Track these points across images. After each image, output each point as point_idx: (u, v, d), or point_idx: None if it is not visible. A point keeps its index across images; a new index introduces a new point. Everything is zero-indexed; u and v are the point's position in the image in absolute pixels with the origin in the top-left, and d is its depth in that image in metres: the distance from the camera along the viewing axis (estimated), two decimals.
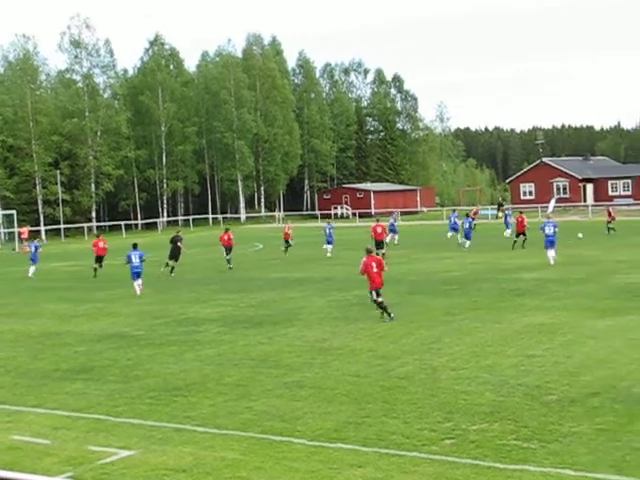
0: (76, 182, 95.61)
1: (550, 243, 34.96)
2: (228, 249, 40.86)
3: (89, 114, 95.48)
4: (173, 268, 38.32)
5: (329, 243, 45.26)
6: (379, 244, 40.12)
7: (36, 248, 42.38)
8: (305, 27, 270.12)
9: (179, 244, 39.27)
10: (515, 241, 43.72)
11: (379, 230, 41.34)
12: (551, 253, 34.77)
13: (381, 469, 10.21)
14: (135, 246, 32.66)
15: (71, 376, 16.55)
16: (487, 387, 13.93)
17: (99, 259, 40.54)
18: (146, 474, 10.50)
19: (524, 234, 43.19)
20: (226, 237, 41.50)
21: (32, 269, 40.84)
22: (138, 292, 30.41)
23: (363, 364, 16.22)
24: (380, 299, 21.91)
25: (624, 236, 50.29)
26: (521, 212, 46.52)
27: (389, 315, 21.51)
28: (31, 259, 41.50)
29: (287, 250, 46.27)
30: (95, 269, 39.67)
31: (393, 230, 50.09)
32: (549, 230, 35.18)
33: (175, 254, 39.13)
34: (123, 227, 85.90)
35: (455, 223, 50.55)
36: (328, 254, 44.01)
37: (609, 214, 54.53)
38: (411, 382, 14.53)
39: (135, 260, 31.32)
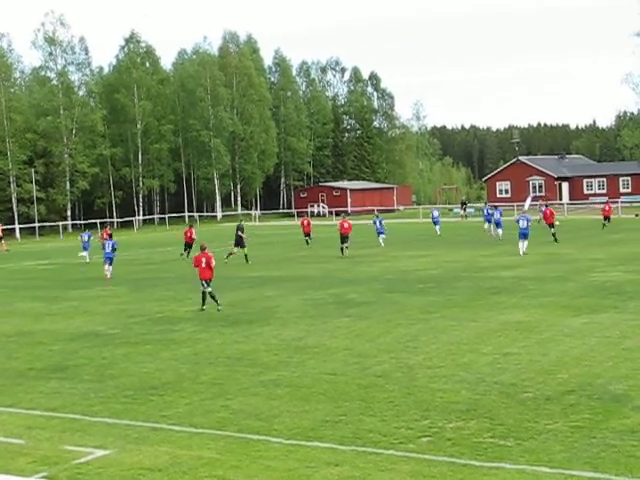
0: (51, 180, 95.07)
1: (523, 235, 38.40)
2: (188, 245, 44.50)
3: (64, 112, 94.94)
4: (247, 256, 40.93)
5: (381, 234, 48.32)
6: (344, 238, 43.23)
7: (89, 237, 46.85)
8: (281, 25, 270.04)
9: (239, 233, 41.87)
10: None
11: (345, 225, 44.03)
12: (524, 244, 38.21)
13: (358, 467, 10.20)
14: (110, 236, 39.44)
15: (46, 375, 16.43)
16: (463, 385, 13.95)
17: (188, 246, 44.52)
18: (122, 473, 10.44)
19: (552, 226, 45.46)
20: (189, 233, 45.09)
21: (85, 254, 45.15)
22: (108, 276, 35.30)
23: (340, 362, 16.21)
24: (209, 289, 24.74)
25: (600, 234, 50.59)
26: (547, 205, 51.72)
27: (217, 304, 24.53)
28: (84, 247, 45.51)
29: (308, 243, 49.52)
30: (181, 254, 44.53)
31: (499, 224, 50.34)
32: (522, 223, 38.68)
33: (239, 242, 41.81)
34: (99, 225, 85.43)
35: (489, 214, 53.24)
36: (381, 244, 47.27)
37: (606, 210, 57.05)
38: (388, 380, 14.53)
39: (107, 248, 36.60)
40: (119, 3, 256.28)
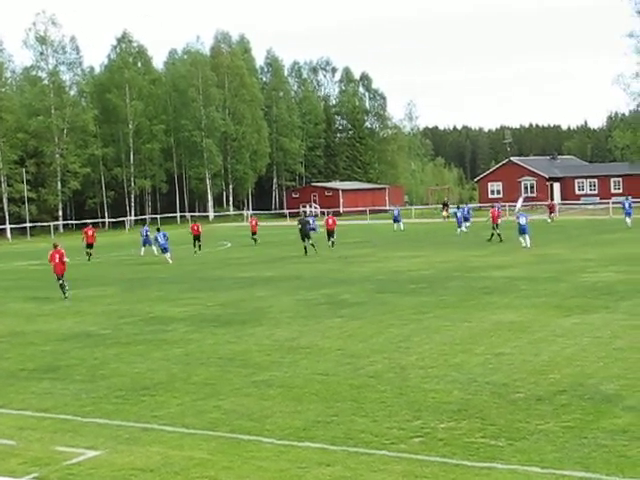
0: (42, 180, 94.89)
1: (523, 230, 42.87)
2: (197, 237, 49.34)
3: (55, 111, 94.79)
4: (313, 245, 44.12)
5: (462, 223, 52.00)
6: (330, 233, 48.90)
7: (146, 232, 48.74)
8: (273, 25, 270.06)
9: (307, 226, 45.56)
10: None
11: (330, 222, 49.58)
12: (525, 238, 42.63)
13: (350, 468, 10.19)
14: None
15: (37, 376, 16.38)
16: (455, 385, 13.96)
17: (197, 238, 49.35)
18: (113, 474, 10.41)
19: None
20: (195, 227, 50.19)
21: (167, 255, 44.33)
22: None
23: (332, 363, 16.20)
24: (61, 282, 29.38)
25: (591, 235, 50.69)
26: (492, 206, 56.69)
27: (64, 294, 28.99)
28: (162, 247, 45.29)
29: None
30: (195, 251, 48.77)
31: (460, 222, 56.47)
32: (522, 220, 43.26)
33: (306, 233, 44.84)
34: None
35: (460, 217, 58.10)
36: (465, 230, 51.77)
37: None
38: (380, 381, 14.53)
39: (162, 239, 43.15)
40: (111, 3, 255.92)
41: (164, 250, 43.32)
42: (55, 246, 30.32)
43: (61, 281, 29.45)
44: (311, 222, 49.15)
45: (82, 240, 49.35)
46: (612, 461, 10.01)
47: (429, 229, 66.07)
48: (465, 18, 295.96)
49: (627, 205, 59.28)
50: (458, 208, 61.88)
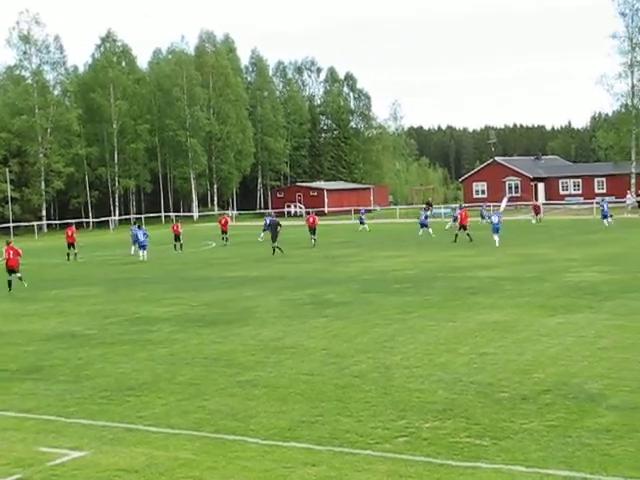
0: (26, 180, 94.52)
1: (496, 229, 45.03)
2: (177, 236, 51.84)
3: (39, 111, 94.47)
4: (277, 248, 44.36)
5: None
6: (312, 230, 51.21)
7: (144, 234, 47.05)
8: (257, 25, 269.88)
9: (278, 228, 45.88)
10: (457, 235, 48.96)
11: (311, 220, 52.42)
12: (496, 237, 44.48)
13: (335, 467, 10.19)
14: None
15: (20, 376, 16.30)
16: (440, 385, 13.98)
17: (177, 237, 51.94)
18: (97, 475, 10.37)
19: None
20: (175, 227, 52.78)
21: (144, 252, 45.28)
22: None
23: (317, 363, 16.20)
24: (18, 275, 31.89)
25: (575, 235, 50.88)
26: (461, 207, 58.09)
27: (9, 288, 31.47)
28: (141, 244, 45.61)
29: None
30: (174, 246, 51.49)
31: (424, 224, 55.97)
32: (495, 219, 46.17)
33: (275, 236, 45.28)
34: (74, 226, 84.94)
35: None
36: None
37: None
38: (365, 381, 14.53)
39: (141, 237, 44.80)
40: (95, 2, 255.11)
41: (142, 247, 44.52)
42: (8, 243, 33.14)
43: (12, 275, 31.80)
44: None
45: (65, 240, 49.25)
46: (596, 460, 10.04)
47: (392, 229, 66.11)
48: (445, 18, 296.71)
49: (605, 207, 60.88)
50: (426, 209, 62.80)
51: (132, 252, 48.05)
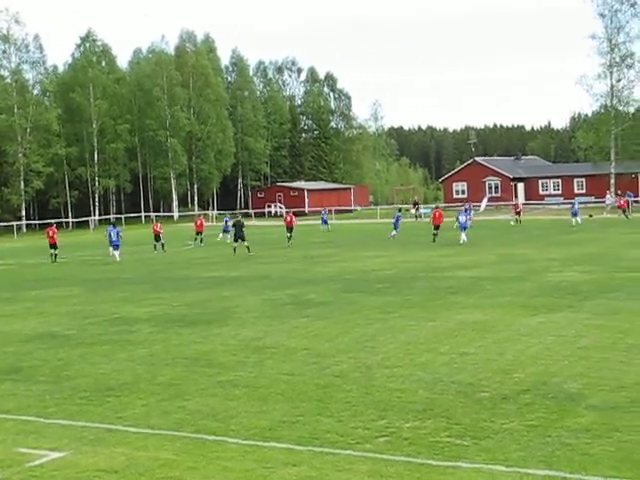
0: (5, 180, 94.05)
1: (463, 228, 47.54)
2: (157, 236, 51.64)
3: (18, 110, 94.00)
4: (247, 247, 44.83)
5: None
6: (289, 229, 53.27)
7: (117, 233, 45.85)
8: (238, 25, 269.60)
9: (242, 228, 46.40)
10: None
11: (288, 219, 54.46)
12: (463, 235, 46.92)
13: (315, 467, 10.18)
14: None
15: None
16: (420, 385, 14.00)
17: (157, 237, 51.63)
18: (77, 476, 10.32)
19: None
20: (155, 227, 52.73)
21: (117, 253, 44.86)
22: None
23: (298, 363, 16.19)
24: None
25: (555, 235, 51.10)
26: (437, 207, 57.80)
27: None
28: (114, 244, 45.08)
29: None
30: (154, 246, 51.11)
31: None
32: (462, 218, 48.55)
33: (240, 236, 45.83)
34: (55, 226, 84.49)
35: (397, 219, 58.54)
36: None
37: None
38: (345, 380, 14.53)
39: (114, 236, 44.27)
40: (75, 1, 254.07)
41: (115, 247, 44.49)
42: None
43: None
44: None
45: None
46: (575, 459, 10.08)
47: (373, 229, 66.13)
48: (430, 18, 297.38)
49: (576, 206, 62.39)
50: (400, 211, 61.79)
51: (110, 254, 47.31)
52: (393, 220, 56.74)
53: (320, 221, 71.92)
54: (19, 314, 25.36)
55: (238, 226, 46.61)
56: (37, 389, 15.01)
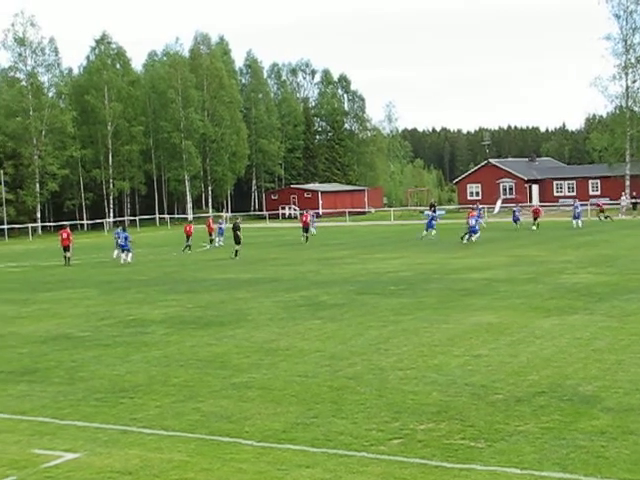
0: (20, 182, 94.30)
1: (473, 231, 49.35)
2: (189, 237, 52.13)
3: (33, 113, 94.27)
4: (237, 251, 44.97)
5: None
6: (305, 229, 57.14)
7: (126, 238, 44.84)
8: (252, 26, 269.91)
9: (237, 232, 46.17)
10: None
11: (304, 218, 58.12)
12: (467, 236, 49.07)
13: (329, 470, 10.19)
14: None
15: (14, 378, 16.27)
16: (434, 387, 13.98)
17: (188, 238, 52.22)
18: (92, 477, 10.36)
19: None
20: (187, 228, 53.15)
21: (129, 255, 44.06)
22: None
23: (311, 365, 16.19)
24: None
25: (571, 236, 50.94)
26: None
27: None
28: (123, 247, 44.39)
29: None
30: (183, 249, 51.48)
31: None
32: (472, 222, 49.77)
33: (237, 239, 45.62)
34: (69, 228, 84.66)
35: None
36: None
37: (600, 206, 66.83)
38: (359, 382, 14.53)
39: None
40: (90, 4, 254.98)
41: (124, 249, 43.88)
42: None
43: None
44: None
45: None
46: (590, 462, 10.05)
47: (387, 231, 66.12)
48: (445, 18, 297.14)
49: (578, 209, 62.29)
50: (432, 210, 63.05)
51: (114, 256, 46.14)
52: (426, 220, 57.75)
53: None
54: (34, 316, 25.45)
55: (236, 229, 46.52)
56: (52, 390, 15.07)
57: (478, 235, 49.62)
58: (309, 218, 59.12)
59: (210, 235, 56.32)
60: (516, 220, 63.02)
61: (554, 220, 75.10)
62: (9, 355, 18.88)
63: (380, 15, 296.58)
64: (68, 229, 48.90)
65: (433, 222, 55.14)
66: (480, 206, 68.02)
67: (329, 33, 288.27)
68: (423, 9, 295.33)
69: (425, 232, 53.88)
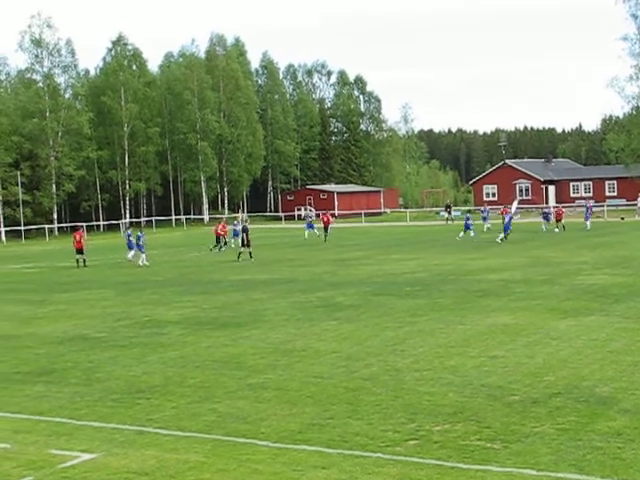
0: (37, 183, 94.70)
1: (506, 228, 50.56)
2: (218, 238, 52.77)
3: (50, 114, 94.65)
4: (250, 253, 44.11)
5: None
6: (325, 228, 58.66)
7: (138, 237, 44.36)
8: (268, 27, 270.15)
9: (245, 234, 45.27)
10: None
11: (325, 219, 59.41)
12: (462, 233, 53.77)
13: (345, 470, 10.19)
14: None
15: (32, 379, 16.35)
16: (450, 388, 13.97)
17: (218, 239, 52.89)
18: (108, 477, 10.40)
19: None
20: (220, 227, 53.24)
21: (143, 256, 43.50)
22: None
23: (327, 365, 16.20)
24: None
25: (587, 237, 50.77)
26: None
27: None
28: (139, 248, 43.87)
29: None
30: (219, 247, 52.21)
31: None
32: (506, 218, 51.82)
33: (246, 242, 44.64)
34: (85, 228, 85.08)
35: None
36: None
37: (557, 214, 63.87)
38: (375, 383, 14.53)
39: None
40: (107, 5, 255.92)
41: (139, 249, 43.71)
42: None
43: None
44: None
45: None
46: (607, 463, 10.02)
47: (403, 231, 66.06)
48: (461, 18, 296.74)
49: (588, 210, 62.75)
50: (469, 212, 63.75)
51: (130, 257, 45.02)
52: (464, 222, 58.67)
53: (305, 225, 65.38)
54: (51, 316, 25.57)
55: (244, 232, 45.68)
56: (69, 391, 15.14)
57: (505, 235, 50.07)
58: (328, 218, 60.36)
59: (218, 238, 53.81)
60: (547, 219, 62.61)
61: (570, 221, 74.84)
62: (26, 356, 18.97)
63: (394, 16, 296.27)
64: (81, 230, 48.44)
65: (469, 222, 57.05)
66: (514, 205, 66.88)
67: (345, 35, 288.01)
68: (440, 9, 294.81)
69: (463, 233, 55.65)
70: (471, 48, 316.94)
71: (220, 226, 54.47)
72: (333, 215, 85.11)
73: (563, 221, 60.95)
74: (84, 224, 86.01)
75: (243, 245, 44.84)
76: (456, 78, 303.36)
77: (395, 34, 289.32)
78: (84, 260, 45.09)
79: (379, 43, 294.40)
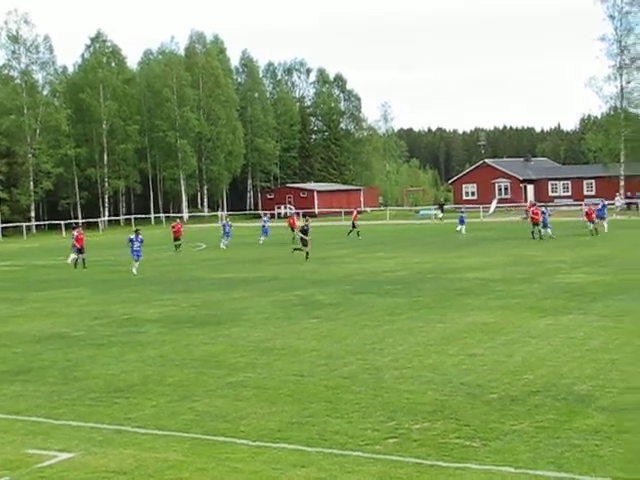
0: (14, 180, 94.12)
1: (545, 225, 49.97)
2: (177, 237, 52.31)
3: (28, 111, 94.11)
4: (307, 253, 42.25)
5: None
6: (294, 229, 55.10)
7: (141, 241, 40.07)
8: (248, 25, 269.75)
9: (302, 235, 44.26)
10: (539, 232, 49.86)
11: (291, 221, 58.16)
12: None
13: (324, 469, 10.18)
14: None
15: (9, 378, 16.24)
16: (430, 386, 13.99)
17: (177, 238, 52.34)
18: (86, 477, 10.34)
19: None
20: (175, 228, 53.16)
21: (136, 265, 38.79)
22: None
23: (307, 364, 16.19)
24: None
25: (565, 236, 50.96)
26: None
27: None
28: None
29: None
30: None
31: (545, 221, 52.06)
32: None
33: (305, 242, 43.46)
34: (63, 226, 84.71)
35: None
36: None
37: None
38: (355, 382, 14.53)
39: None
40: (86, 2, 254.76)
41: (137, 256, 38.64)
42: None
43: None
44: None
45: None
46: (585, 460, 10.07)
47: (383, 230, 66.06)
48: (441, 19, 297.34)
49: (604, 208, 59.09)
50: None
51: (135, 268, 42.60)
52: (459, 218, 60.96)
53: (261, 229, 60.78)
54: (28, 315, 25.42)
55: (304, 232, 44.64)
56: (46, 390, 15.05)
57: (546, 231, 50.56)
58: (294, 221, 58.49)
59: (176, 240, 52.39)
60: (545, 226, 51.10)
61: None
62: (3, 354, 18.85)
63: (375, 17, 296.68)
64: (80, 229, 46.13)
65: (464, 216, 60.54)
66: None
67: (324, 34, 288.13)
68: (418, 11, 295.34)
69: (460, 226, 59.31)
70: (451, 48, 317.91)
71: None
72: (313, 214, 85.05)
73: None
74: (62, 222, 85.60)
75: (304, 245, 42.93)
76: (436, 78, 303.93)
77: (373, 35, 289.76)
78: (83, 260, 42.94)
79: (357, 44, 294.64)
